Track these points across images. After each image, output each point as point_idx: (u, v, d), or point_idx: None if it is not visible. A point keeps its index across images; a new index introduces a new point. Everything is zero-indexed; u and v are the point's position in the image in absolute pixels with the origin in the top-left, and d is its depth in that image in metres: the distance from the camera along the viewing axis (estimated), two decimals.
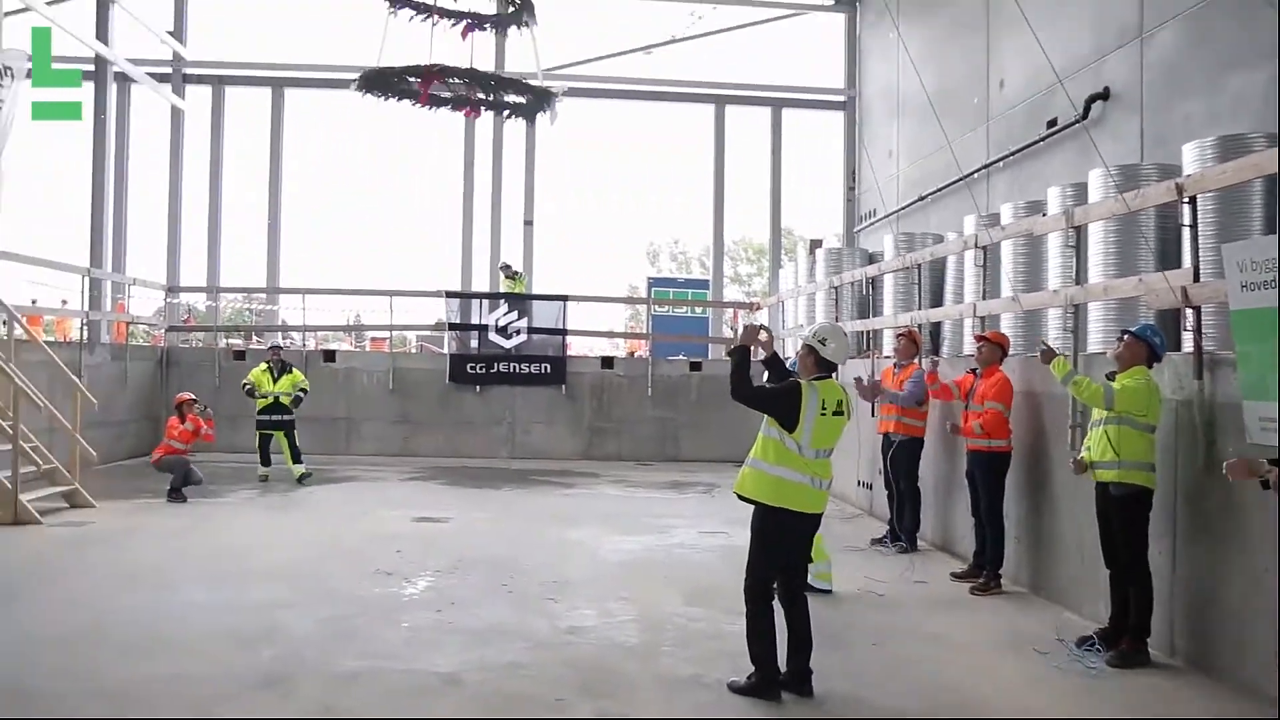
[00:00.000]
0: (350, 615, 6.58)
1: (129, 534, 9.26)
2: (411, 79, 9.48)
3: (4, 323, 11.45)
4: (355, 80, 9.74)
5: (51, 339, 14.97)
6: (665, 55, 20.69)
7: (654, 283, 22.60)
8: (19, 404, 9.79)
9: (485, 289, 19.13)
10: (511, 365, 16.75)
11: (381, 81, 9.57)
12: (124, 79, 18.04)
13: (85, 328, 14.51)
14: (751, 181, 20.97)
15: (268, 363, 13.26)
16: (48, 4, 15.85)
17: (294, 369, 13.46)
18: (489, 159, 20.16)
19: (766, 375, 5.79)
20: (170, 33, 19.19)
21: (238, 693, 5.07)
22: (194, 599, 6.94)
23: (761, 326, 5.95)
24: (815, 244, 17.16)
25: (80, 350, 13.65)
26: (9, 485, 9.42)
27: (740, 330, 6.77)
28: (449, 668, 5.50)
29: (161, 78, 19.07)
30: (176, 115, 19.63)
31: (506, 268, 18.68)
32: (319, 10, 21.05)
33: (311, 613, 6.59)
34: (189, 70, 19.81)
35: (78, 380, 11.34)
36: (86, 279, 14.78)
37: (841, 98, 20.50)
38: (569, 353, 17.23)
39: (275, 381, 13.06)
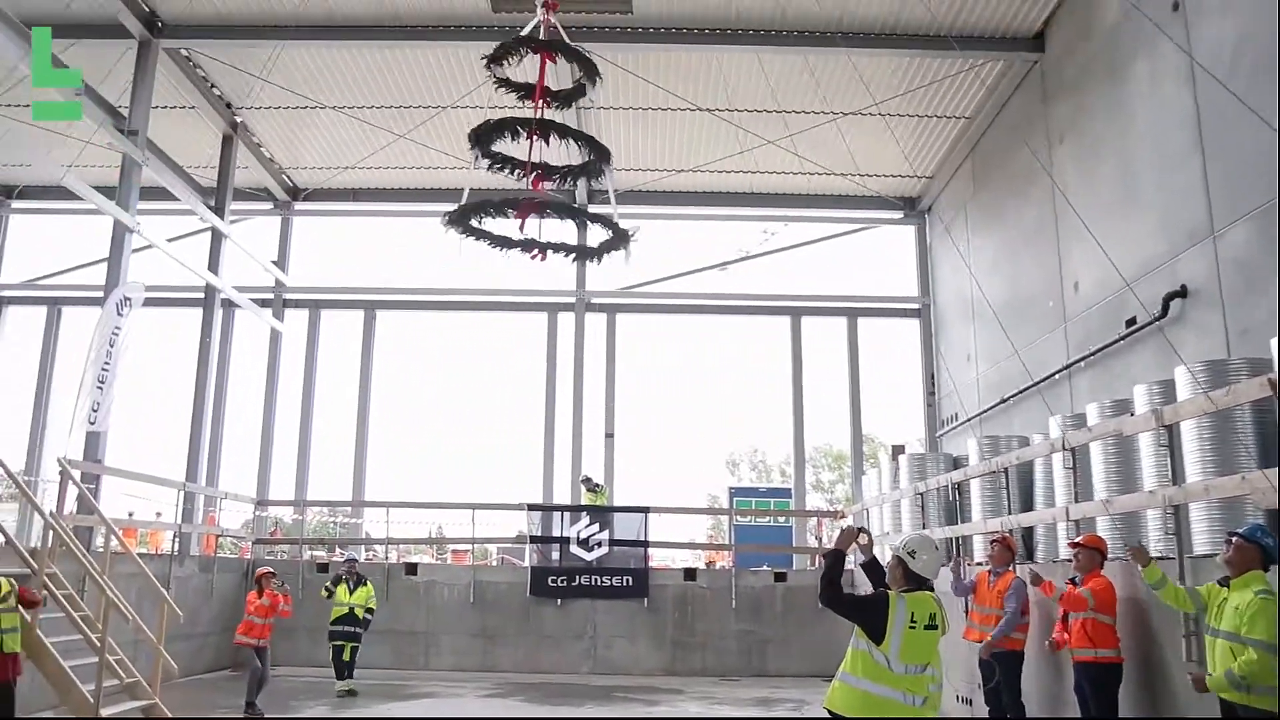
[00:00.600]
0: None
1: None
2: (509, 210, 9.70)
3: (103, 535, 11.78)
4: (443, 215, 9.95)
5: (144, 550, 15.31)
6: (740, 270, 21.46)
7: (735, 492, 22.35)
8: (109, 616, 9.92)
9: (566, 501, 19.22)
10: (593, 578, 16.50)
11: (472, 215, 9.70)
12: (229, 304, 19.26)
13: (177, 540, 14.83)
14: (830, 389, 21.13)
15: (344, 575, 13.35)
16: (168, 240, 17.27)
17: (368, 582, 13.52)
18: (569, 373, 20.74)
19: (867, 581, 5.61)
20: (274, 262, 20.68)
21: None
22: None
23: (860, 529, 5.80)
24: (898, 450, 17.01)
25: (170, 562, 13.90)
26: (90, 699, 9.41)
27: (837, 533, 6.54)
28: None
29: (263, 302, 20.39)
30: (275, 337, 20.82)
31: (587, 480, 18.78)
32: (408, 237, 22.50)
33: None
34: (289, 295, 21.19)
35: (166, 593, 11.48)
36: (181, 493, 15.25)
37: (916, 305, 20.84)
38: (651, 565, 16.96)
39: (351, 593, 13.10)
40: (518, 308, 21.63)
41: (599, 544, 16.76)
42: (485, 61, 9.59)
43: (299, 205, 21.64)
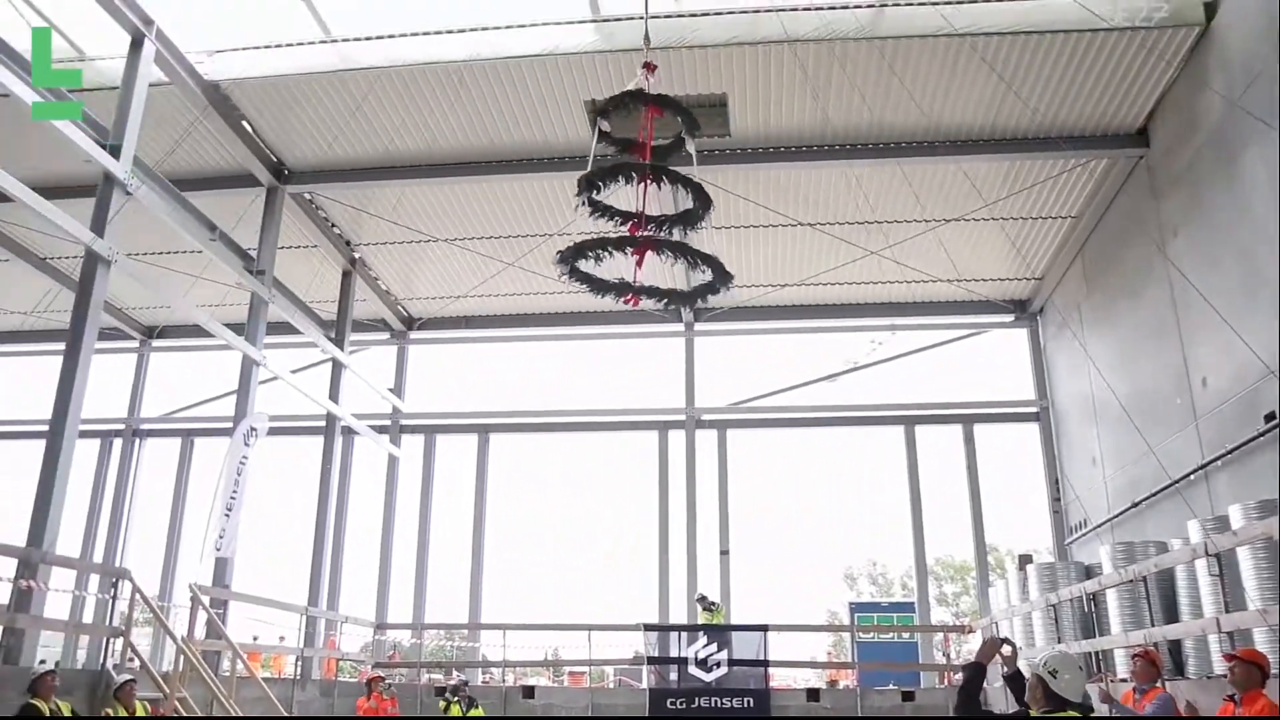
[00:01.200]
0: None
1: None
2: (626, 248, 9.78)
3: (229, 659, 12.05)
4: (560, 253, 10.05)
5: (268, 674, 15.57)
6: (850, 381, 21.23)
7: (856, 608, 21.62)
8: None
9: (683, 620, 18.87)
10: (713, 699, 16.04)
11: (587, 251, 9.75)
12: (349, 431, 19.90)
13: (299, 664, 15.05)
14: (949, 498, 20.45)
15: (459, 696, 13.41)
16: (292, 372, 18.09)
17: (479, 705, 13.53)
18: (682, 491, 20.61)
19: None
20: (391, 389, 21.40)
21: None
22: None
23: (1004, 640, 5.48)
24: (1025, 559, 16.24)
25: (293, 686, 14.08)
26: None
27: (979, 645, 6.14)
28: None
29: (381, 429, 21.02)
30: (392, 462, 21.36)
31: (703, 599, 18.43)
32: (519, 361, 23.04)
33: None
34: (405, 421, 21.81)
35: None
36: (304, 617, 15.54)
37: (1034, 409, 20.20)
38: (772, 684, 16.42)
39: (465, 715, 13.12)
40: (628, 427, 21.75)
41: (718, 664, 16.36)
42: (591, 114, 9.96)
43: (414, 334, 22.46)
